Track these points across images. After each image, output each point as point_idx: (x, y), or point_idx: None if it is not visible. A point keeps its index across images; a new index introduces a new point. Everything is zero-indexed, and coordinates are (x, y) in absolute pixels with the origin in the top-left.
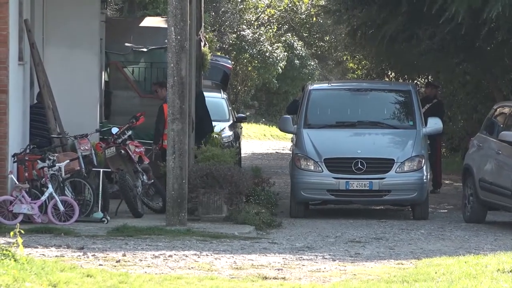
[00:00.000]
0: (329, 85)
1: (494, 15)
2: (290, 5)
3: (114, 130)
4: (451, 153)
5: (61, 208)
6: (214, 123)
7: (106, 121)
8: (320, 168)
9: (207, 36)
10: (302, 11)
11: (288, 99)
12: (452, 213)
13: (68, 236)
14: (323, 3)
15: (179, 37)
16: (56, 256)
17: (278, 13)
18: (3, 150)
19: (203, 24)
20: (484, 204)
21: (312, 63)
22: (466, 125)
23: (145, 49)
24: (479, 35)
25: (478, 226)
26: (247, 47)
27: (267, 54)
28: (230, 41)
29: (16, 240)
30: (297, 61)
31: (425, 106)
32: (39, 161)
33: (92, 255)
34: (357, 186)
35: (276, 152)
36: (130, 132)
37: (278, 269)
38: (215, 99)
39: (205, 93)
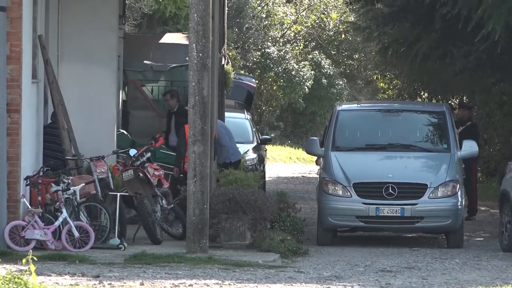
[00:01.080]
0: (359, 105)
1: None
2: (317, 21)
3: (132, 152)
4: (487, 178)
5: (76, 234)
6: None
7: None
8: (349, 193)
9: (230, 54)
10: (330, 27)
11: (315, 120)
12: (488, 241)
13: (83, 263)
14: (353, 20)
15: (201, 54)
16: (70, 284)
17: (305, 29)
18: (15, 173)
19: (226, 41)
20: None
21: (341, 83)
22: (503, 148)
23: (165, 67)
24: None
25: None
26: (272, 65)
27: (293, 72)
28: (254, 59)
29: (29, 268)
30: (325, 80)
31: (458, 129)
32: (53, 184)
33: (109, 284)
34: (388, 213)
35: (302, 176)
36: (148, 154)
37: None
38: (239, 119)
39: (228, 114)
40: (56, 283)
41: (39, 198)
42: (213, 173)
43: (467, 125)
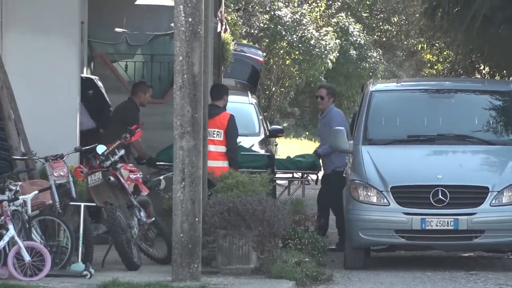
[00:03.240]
0: (398, 84)
1: None
2: None
3: (101, 149)
4: None
5: (27, 257)
6: (239, 138)
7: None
8: (385, 200)
9: (229, 18)
10: None
11: (341, 104)
12: None
13: None
14: None
15: (190, 19)
16: None
17: None
18: None
19: (223, 1)
20: None
21: (375, 54)
22: None
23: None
24: None
25: None
26: (284, 33)
27: (312, 42)
28: (261, 25)
29: None
30: (354, 52)
31: None
32: None
33: None
34: (437, 225)
35: None
36: (122, 152)
37: None
38: (241, 104)
39: (228, 97)
40: None
41: None
42: (207, 175)
43: None
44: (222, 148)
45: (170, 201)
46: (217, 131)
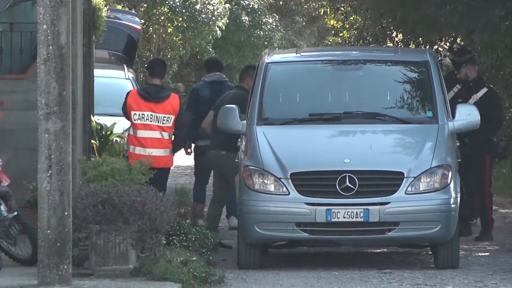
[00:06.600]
0: (298, 55)
1: None
2: None
3: None
4: (494, 161)
5: None
6: (114, 119)
7: None
8: (284, 188)
9: None
10: None
11: (232, 78)
12: (497, 257)
13: None
14: None
15: None
16: None
17: None
18: None
19: None
20: None
21: (270, 21)
22: None
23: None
24: None
25: None
26: None
27: (197, 6)
28: None
29: None
30: (246, 18)
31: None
32: None
33: None
34: (344, 217)
35: None
36: None
37: None
38: (116, 79)
39: (100, 71)
40: None
41: None
42: (78, 162)
43: (483, 92)
44: (171, 135)
45: (35, 192)
46: (168, 117)
